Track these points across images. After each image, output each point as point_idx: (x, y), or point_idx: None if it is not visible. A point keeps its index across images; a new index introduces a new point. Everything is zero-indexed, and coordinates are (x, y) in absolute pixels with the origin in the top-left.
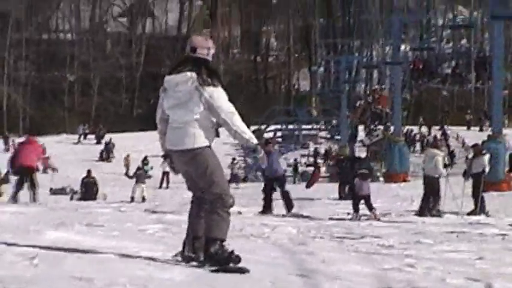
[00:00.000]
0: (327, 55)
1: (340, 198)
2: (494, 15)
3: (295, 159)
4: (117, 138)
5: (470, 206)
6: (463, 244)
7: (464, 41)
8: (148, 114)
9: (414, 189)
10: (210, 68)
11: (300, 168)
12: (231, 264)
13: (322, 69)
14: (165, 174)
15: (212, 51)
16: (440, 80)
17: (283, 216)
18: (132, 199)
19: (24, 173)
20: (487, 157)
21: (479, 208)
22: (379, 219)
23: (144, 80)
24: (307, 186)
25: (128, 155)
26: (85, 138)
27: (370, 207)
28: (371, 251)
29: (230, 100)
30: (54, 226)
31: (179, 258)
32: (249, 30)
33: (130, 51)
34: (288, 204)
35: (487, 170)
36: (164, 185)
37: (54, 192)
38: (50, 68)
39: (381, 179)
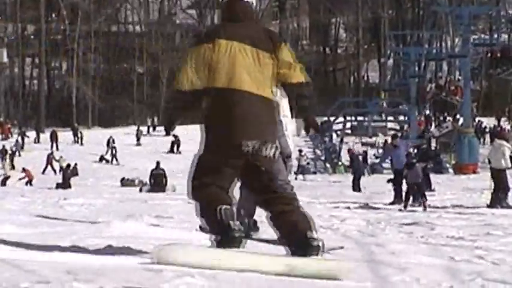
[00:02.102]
0: (396, 47)
1: (354, 190)
2: None
3: (364, 151)
4: (185, 129)
5: None
6: None
7: None
8: None
9: (484, 181)
10: None
11: (370, 160)
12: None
13: (391, 60)
14: None
15: None
16: None
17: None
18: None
19: None
20: None
21: None
22: (425, 209)
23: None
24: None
25: None
26: (154, 130)
27: (418, 196)
28: (441, 243)
29: None
30: (124, 218)
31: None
32: (318, 22)
33: None
34: (414, 194)
35: None
36: None
37: (124, 184)
38: (119, 60)
39: (451, 170)
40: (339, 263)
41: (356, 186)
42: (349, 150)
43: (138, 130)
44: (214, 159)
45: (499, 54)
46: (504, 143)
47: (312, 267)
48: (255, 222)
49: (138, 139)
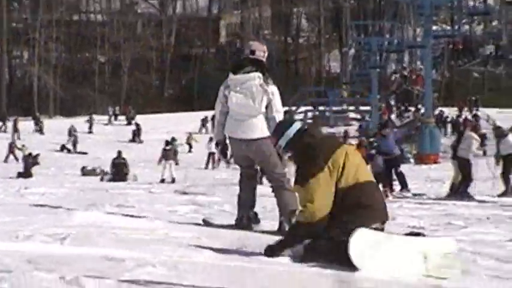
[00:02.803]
0: (357, 37)
1: None
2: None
3: None
4: (147, 119)
5: (502, 188)
6: (493, 226)
7: (495, 23)
8: (179, 96)
9: (445, 171)
10: (267, 69)
11: None
12: None
13: (353, 50)
14: (211, 154)
15: (266, 53)
16: (481, 61)
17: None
18: (163, 181)
19: None
20: (510, 137)
21: (507, 189)
22: (387, 196)
23: (174, 61)
24: None
25: (190, 134)
26: (115, 119)
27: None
28: (402, 233)
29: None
30: (85, 207)
31: (214, 223)
32: (280, 12)
33: (161, 33)
34: (403, 183)
35: None
36: (210, 165)
37: (85, 173)
38: (81, 49)
39: (412, 160)
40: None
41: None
42: None
43: (90, 118)
44: None
45: (461, 46)
46: (474, 135)
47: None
48: (256, 214)
49: (90, 126)
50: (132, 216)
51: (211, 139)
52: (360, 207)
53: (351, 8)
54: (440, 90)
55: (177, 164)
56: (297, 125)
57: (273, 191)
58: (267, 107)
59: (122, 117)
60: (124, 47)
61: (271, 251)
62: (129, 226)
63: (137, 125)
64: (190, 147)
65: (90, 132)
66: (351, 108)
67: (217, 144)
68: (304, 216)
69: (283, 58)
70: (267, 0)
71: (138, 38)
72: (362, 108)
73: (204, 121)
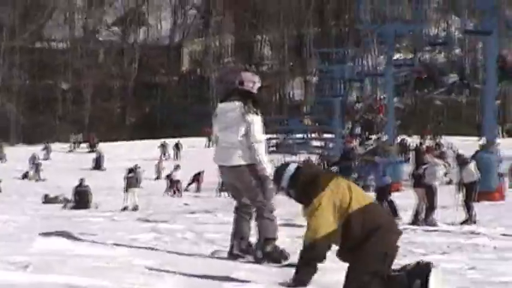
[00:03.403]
0: (320, 64)
1: None
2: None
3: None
4: (109, 147)
5: (464, 216)
6: (455, 254)
7: (458, 51)
8: (142, 123)
9: (407, 199)
10: (254, 99)
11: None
12: (283, 260)
13: (315, 78)
14: (175, 182)
15: (257, 85)
16: (446, 90)
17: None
18: (125, 208)
19: None
20: (473, 165)
21: (469, 217)
22: None
23: (137, 88)
24: None
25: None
26: (78, 146)
27: None
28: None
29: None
30: (47, 235)
31: (223, 255)
32: (243, 39)
33: (123, 60)
34: (394, 212)
35: (477, 175)
36: (170, 193)
37: (47, 201)
38: (43, 76)
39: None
40: None
41: None
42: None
43: (46, 146)
44: None
45: (424, 75)
46: (438, 161)
47: None
48: (249, 245)
49: (46, 153)
50: (94, 243)
51: (177, 167)
52: (379, 229)
53: (314, 36)
54: (403, 118)
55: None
56: (293, 165)
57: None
58: (247, 136)
59: (84, 145)
60: (86, 75)
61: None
62: (92, 254)
63: (98, 153)
64: (159, 173)
65: (46, 159)
66: (314, 136)
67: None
68: (308, 235)
69: None
70: (230, 27)
71: (100, 66)
72: (325, 136)
73: (163, 147)
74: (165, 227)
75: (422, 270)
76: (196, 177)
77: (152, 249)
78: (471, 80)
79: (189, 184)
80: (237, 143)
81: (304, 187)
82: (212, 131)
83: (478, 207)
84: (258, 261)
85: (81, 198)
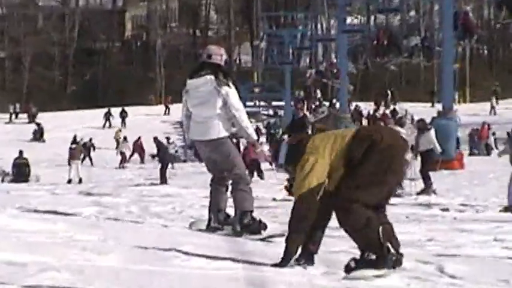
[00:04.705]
0: (269, 28)
1: (161, 183)
2: None
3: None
4: (49, 117)
5: (420, 186)
6: (413, 225)
7: (412, 13)
8: (83, 92)
9: None
10: (224, 71)
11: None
12: (262, 231)
13: (264, 43)
14: (122, 154)
15: (224, 57)
16: (407, 54)
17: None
18: (70, 181)
19: None
20: (432, 132)
21: (426, 187)
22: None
23: (78, 56)
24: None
25: (120, 130)
26: (16, 117)
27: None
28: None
29: (171, 75)
30: None
31: (202, 227)
32: (188, 3)
33: (63, 26)
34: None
35: (437, 146)
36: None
37: None
38: None
39: None
40: None
41: (163, 177)
42: (155, 139)
43: None
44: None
45: (385, 42)
46: (400, 130)
47: None
48: (227, 216)
49: None
50: (34, 218)
51: (125, 138)
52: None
53: None
54: (356, 84)
55: (89, 159)
56: (284, 144)
57: (231, 191)
58: (226, 108)
59: (23, 115)
60: (25, 42)
61: (284, 254)
62: (31, 229)
63: (38, 124)
64: (118, 143)
65: None
66: (263, 104)
67: (189, 147)
68: (295, 191)
69: (191, 52)
70: None
71: (40, 32)
72: (275, 103)
73: (107, 115)
74: (109, 201)
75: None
76: (138, 146)
77: (95, 224)
78: (431, 43)
79: (131, 155)
80: (214, 117)
81: (294, 157)
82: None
83: (437, 176)
84: (237, 234)
85: (20, 171)
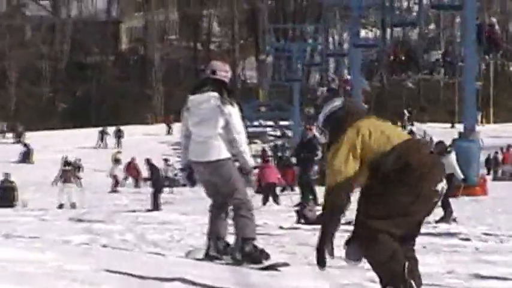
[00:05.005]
0: (276, 42)
1: (153, 209)
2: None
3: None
4: (38, 136)
5: (439, 213)
6: (431, 256)
7: (432, 26)
8: (74, 109)
9: None
10: (228, 89)
11: None
12: (264, 260)
13: (271, 58)
14: (114, 177)
15: (229, 74)
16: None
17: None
18: (61, 206)
19: None
20: (453, 155)
21: (446, 215)
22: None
23: (69, 70)
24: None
25: (119, 151)
26: (3, 137)
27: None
28: (328, 264)
29: (169, 91)
30: None
31: (196, 256)
32: (188, 14)
33: (53, 38)
34: None
35: (458, 171)
36: (109, 188)
37: None
38: None
39: None
40: None
41: (155, 203)
42: (147, 161)
43: None
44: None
45: (403, 57)
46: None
47: None
48: (227, 245)
49: None
50: (21, 247)
51: (117, 161)
52: (411, 167)
53: (268, 10)
54: (371, 102)
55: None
56: (337, 102)
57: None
58: (227, 129)
59: (9, 135)
60: (11, 55)
61: (317, 253)
62: (18, 258)
63: (26, 145)
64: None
65: None
66: (270, 124)
67: (182, 170)
68: (327, 181)
69: (191, 66)
70: (174, 0)
71: (27, 45)
72: (282, 123)
73: (102, 134)
74: (101, 228)
75: None
76: (132, 169)
77: (86, 252)
78: (454, 58)
79: (125, 178)
80: (214, 137)
81: (334, 127)
82: (171, 119)
83: (457, 203)
84: (237, 262)
85: (6, 196)
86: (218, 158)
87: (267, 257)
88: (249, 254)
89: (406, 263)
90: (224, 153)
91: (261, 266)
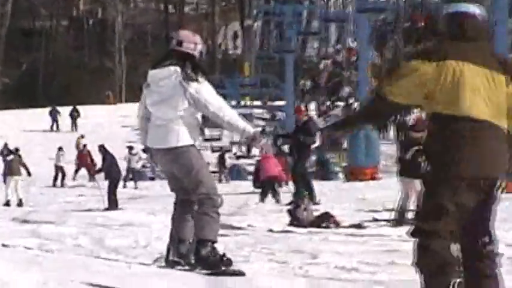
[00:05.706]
0: (265, 4)
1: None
2: None
3: (221, 148)
4: None
5: None
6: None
7: None
8: (18, 86)
9: (385, 191)
10: (195, 63)
11: (228, 161)
12: (223, 268)
13: (259, 23)
14: (59, 168)
15: (199, 46)
16: None
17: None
18: (8, 203)
19: None
20: None
21: None
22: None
23: (12, 38)
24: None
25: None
26: None
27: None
28: (327, 276)
29: (134, 64)
30: None
31: (162, 264)
32: None
33: None
34: None
35: None
36: (58, 182)
37: None
38: None
39: (341, 176)
40: None
41: (110, 200)
42: (100, 147)
43: None
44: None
45: (422, 23)
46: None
47: None
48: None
49: None
50: None
51: (60, 148)
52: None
53: None
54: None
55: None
56: None
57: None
58: (193, 110)
59: None
60: None
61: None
62: None
63: None
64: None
65: None
66: (257, 104)
67: (144, 151)
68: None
69: (161, 34)
70: None
71: None
72: (271, 104)
73: (53, 114)
74: (51, 230)
75: None
76: (84, 158)
77: (33, 260)
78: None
79: (77, 170)
80: (175, 120)
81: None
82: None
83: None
84: (190, 267)
85: None
86: (177, 145)
87: (229, 263)
88: (205, 258)
89: (458, 281)
90: (184, 139)
91: (214, 270)
